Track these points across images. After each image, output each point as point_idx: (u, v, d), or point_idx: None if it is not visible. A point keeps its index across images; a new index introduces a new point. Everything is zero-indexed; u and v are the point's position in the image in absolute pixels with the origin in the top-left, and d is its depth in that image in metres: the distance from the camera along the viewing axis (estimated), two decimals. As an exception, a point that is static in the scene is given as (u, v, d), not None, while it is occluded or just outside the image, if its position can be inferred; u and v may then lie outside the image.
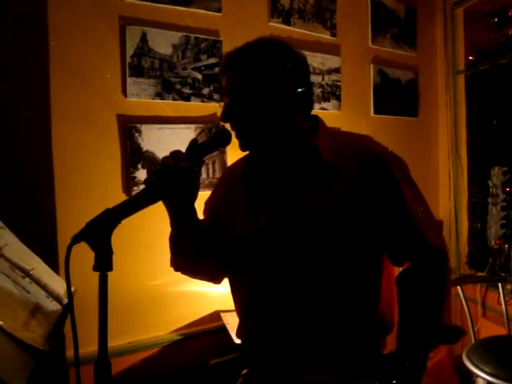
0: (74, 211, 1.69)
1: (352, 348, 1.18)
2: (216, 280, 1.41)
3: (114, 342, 1.85)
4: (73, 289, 1.43)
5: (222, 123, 1.21)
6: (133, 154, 1.87)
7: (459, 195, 2.88)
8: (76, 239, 0.80)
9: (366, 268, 1.21)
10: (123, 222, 1.79)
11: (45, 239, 1.69)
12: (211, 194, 1.43)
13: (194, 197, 1.22)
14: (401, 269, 1.24)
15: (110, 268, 0.80)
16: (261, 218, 1.23)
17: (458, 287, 2.11)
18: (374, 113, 2.63)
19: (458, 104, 2.88)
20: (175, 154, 1.07)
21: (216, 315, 2.08)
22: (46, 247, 1.67)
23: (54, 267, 1.69)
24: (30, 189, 1.70)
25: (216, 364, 1.96)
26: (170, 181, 0.96)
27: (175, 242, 1.30)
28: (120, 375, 1.82)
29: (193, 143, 1.13)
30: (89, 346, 1.76)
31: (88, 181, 1.79)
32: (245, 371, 0.93)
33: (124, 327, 1.88)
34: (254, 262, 1.25)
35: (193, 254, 1.31)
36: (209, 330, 2.07)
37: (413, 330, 1.15)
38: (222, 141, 1.15)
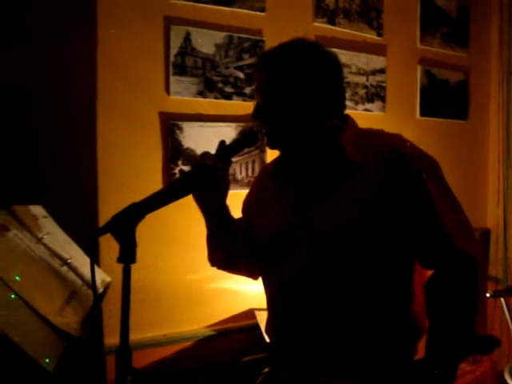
0: (116, 204, 1.70)
1: (380, 352, 1.16)
2: (253, 275, 1.43)
3: (148, 333, 1.91)
4: (108, 279, 1.50)
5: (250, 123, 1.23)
6: (174, 151, 1.91)
7: (509, 202, 2.75)
8: (101, 231, 0.83)
9: (394, 268, 1.18)
10: (163, 217, 1.87)
11: (87, 231, 1.76)
12: (247, 194, 1.46)
13: (224, 193, 1.25)
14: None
15: (134, 260, 0.83)
16: (286, 216, 1.24)
17: (502, 299, 2.02)
18: (421, 115, 2.56)
19: (511, 107, 2.75)
20: (204, 154, 1.12)
21: (251, 313, 2.09)
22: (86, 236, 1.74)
23: (96, 257, 1.77)
24: (75, 182, 1.77)
25: (248, 361, 1.98)
26: (196, 176, 0.98)
27: (211, 239, 1.33)
28: (153, 366, 1.87)
29: (221, 144, 1.16)
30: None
31: (130, 175, 1.84)
32: (266, 369, 0.94)
33: (159, 319, 1.93)
34: (279, 258, 1.25)
35: (228, 250, 1.34)
36: (243, 328, 2.08)
37: (441, 337, 1.11)
38: (247, 141, 1.19)
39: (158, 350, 1.90)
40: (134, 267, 1.83)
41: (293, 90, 1.16)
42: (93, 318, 0.90)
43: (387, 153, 1.17)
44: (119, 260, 0.81)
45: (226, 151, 1.15)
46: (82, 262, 1.38)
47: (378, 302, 1.16)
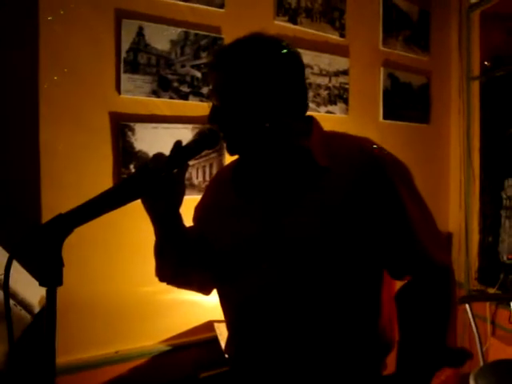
0: (61, 211, 1.60)
1: (349, 368, 1.08)
2: (205, 291, 1.31)
3: (100, 351, 1.77)
4: (39, 297, 1.35)
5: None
6: (125, 154, 1.78)
7: (470, 207, 2.75)
8: (18, 248, 0.70)
9: (364, 280, 1.10)
10: (112, 222, 1.74)
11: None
12: (200, 200, 1.34)
13: (177, 203, 1.13)
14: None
15: (60, 282, 0.70)
16: (248, 225, 1.14)
17: (466, 305, 1.99)
18: (384, 118, 2.52)
19: (471, 111, 2.76)
20: (156, 156, 0.99)
21: (209, 325, 1.98)
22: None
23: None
24: (15, 187, 1.62)
25: (207, 377, 1.87)
26: (135, 181, 0.86)
27: (160, 250, 1.21)
28: (105, 386, 1.73)
29: (176, 146, 1.04)
30: (71, 354, 1.69)
31: (77, 180, 1.70)
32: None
33: (110, 335, 1.79)
34: (241, 272, 1.15)
35: (179, 263, 1.22)
36: (201, 341, 1.97)
37: (413, 351, 1.05)
38: (207, 143, 1.06)
39: (109, 368, 1.77)
40: (82, 278, 1.72)
41: (251, 90, 1.06)
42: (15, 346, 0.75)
43: (357, 157, 1.09)
44: (41, 283, 0.69)
45: (182, 153, 1.02)
46: (15, 276, 1.23)
47: (345, 316, 1.09)
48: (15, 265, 1.33)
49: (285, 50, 1.12)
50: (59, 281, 0.69)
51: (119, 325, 1.80)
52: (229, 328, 1.24)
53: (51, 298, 0.68)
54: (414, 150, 2.62)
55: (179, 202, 1.14)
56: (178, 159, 1.01)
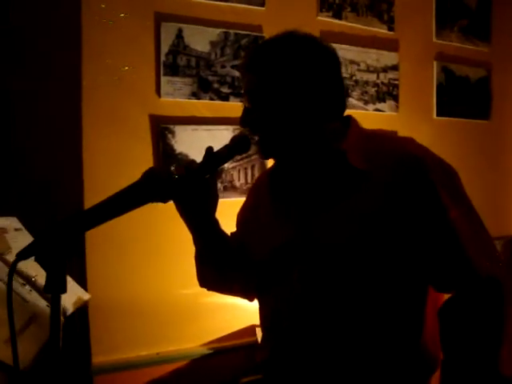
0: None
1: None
2: (249, 297, 1.29)
3: (141, 352, 1.78)
4: (86, 296, 1.38)
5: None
6: (165, 156, 1.79)
7: (537, 209, 2.53)
8: (22, 255, 0.70)
9: (404, 292, 1.02)
10: (153, 224, 1.75)
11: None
12: (242, 205, 1.32)
13: (211, 208, 1.12)
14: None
15: (64, 290, 0.69)
16: (282, 232, 1.10)
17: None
18: (437, 115, 2.37)
19: (538, 105, 2.54)
20: (188, 164, 1.00)
21: (251, 330, 1.94)
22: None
23: (81, 270, 1.66)
24: (59, 192, 1.67)
25: (246, 383, 1.84)
26: (141, 187, 0.84)
27: (199, 257, 1.20)
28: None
29: (208, 152, 1.02)
30: (111, 354, 1.72)
31: (118, 182, 1.68)
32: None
33: (152, 337, 1.80)
34: (274, 281, 1.11)
35: (219, 269, 1.21)
36: (242, 346, 1.94)
37: (457, 374, 0.95)
38: (238, 148, 1.05)
39: (150, 369, 1.77)
40: (124, 281, 1.75)
41: (284, 91, 1.01)
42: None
43: (398, 160, 1.01)
44: (45, 290, 0.68)
45: (213, 159, 1.02)
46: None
47: (385, 331, 1.01)
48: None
49: (319, 48, 1.06)
50: (63, 288, 0.68)
51: (161, 327, 1.81)
52: (262, 334, 1.20)
53: (55, 303, 0.67)
54: (473, 148, 2.45)
55: (213, 208, 1.12)
56: (209, 165, 1.01)
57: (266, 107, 1.02)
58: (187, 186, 1.00)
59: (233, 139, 1.06)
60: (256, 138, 1.07)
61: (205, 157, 1.02)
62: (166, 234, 1.80)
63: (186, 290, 1.85)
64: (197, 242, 1.17)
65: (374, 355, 1.00)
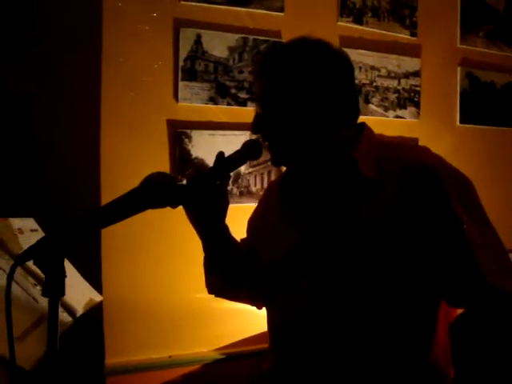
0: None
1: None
2: (258, 305, 1.28)
3: (153, 354, 1.79)
4: (98, 298, 1.40)
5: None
6: (181, 161, 1.80)
7: None
8: (21, 259, 0.71)
9: (414, 304, 1.00)
10: (165, 228, 1.76)
11: (88, 243, 1.68)
12: (253, 211, 1.31)
13: (221, 214, 1.12)
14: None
15: (62, 293, 0.70)
16: (290, 240, 1.09)
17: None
18: (461, 122, 2.32)
19: None
20: (198, 168, 1.01)
21: (265, 336, 1.93)
22: (88, 251, 1.66)
23: (97, 272, 1.68)
24: (76, 195, 1.69)
25: (259, 389, 1.83)
26: (141, 193, 0.85)
27: (208, 262, 1.20)
28: (157, 390, 1.75)
29: (219, 157, 1.03)
30: (124, 356, 1.74)
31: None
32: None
33: (164, 340, 1.81)
34: (281, 289, 1.10)
35: (227, 276, 1.20)
36: (256, 352, 1.92)
37: None
38: (250, 154, 1.05)
39: (162, 372, 1.78)
40: (138, 283, 1.76)
41: (296, 97, 1.01)
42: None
43: (410, 169, 0.99)
44: (44, 293, 0.69)
45: (224, 164, 1.02)
46: (67, 280, 1.28)
47: (394, 344, 0.98)
48: (68, 266, 1.40)
49: (331, 54, 1.05)
50: (61, 291, 0.69)
51: (174, 330, 1.82)
52: (269, 343, 1.20)
53: (54, 307, 0.68)
54: (498, 156, 2.38)
55: (223, 214, 1.12)
56: (220, 170, 1.01)
57: (277, 112, 1.02)
58: (197, 191, 1.00)
59: (244, 144, 1.06)
60: (268, 144, 1.07)
61: (216, 162, 1.03)
62: (181, 237, 1.80)
63: (200, 294, 1.83)
64: (206, 247, 1.17)
65: (381, 368, 0.98)
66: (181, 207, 1.02)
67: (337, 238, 1.02)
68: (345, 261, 0.99)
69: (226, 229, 1.16)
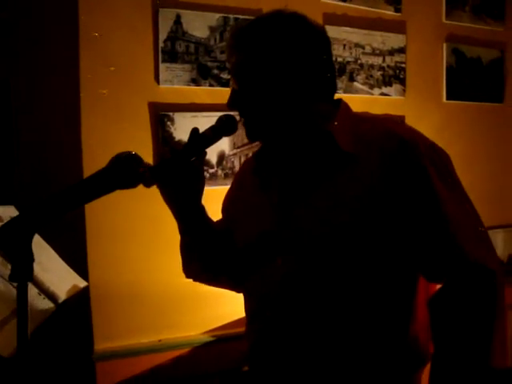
0: (103, 205, 1.62)
1: (373, 381, 0.99)
2: (238, 288, 1.27)
3: (143, 339, 1.80)
4: (83, 284, 1.39)
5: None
6: (164, 144, 1.77)
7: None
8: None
9: (391, 280, 1.01)
10: (149, 213, 1.74)
11: (71, 229, 1.66)
12: (228, 191, 1.30)
13: (197, 193, 1.10)
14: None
15: (30, 278, 0.69)
16: (263, 217, 1.08)
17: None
18: (447, 98, 2.30)
19: (554, 87, 2.44)
20: (173, 145, 0.98)
21: (254, 317, 1.94)
22: (73, 237, 1.65)
23: (83, 258, 1.67)
24: (58, 178, 1.67)
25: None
26: (109, 172, 0.83)
27: (184, 245, 1.19)
28: (147, 373, 1.75)
29: (193, 133, 1.01)
30: (113, 341, 1.74)
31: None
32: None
33: (154, 324, 1.81)
34: (258, 268, 1.09)
35: (204, 257, 1.19)
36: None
37: (448, 368, 0.92)
38: (225, 129, 1.04)
39: (152, 356, 1.78)
40: (126, 268, 1.75)
41: (272, 71, 1.00)
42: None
43: (387, 143, 0.99)
44: (11, 278, 0.68)
45: (199, 140, 1.01)
46: (48, 265, 1.27)
47: (372, 321, 0.99)
48: (51, 253, 1.38)
49: (307, 27, 1.04)
50: (29, 276, 0.68)
51: (163, 314, 1.82)
52: (247, 322, 1.19)
53: (22, 292, 0.66)
54: (485, 132, 2.37)
55: (200, 193, 1.11)
56: (195, 147, 0.99)
57: (253, 87, 1.01)
58: (172, 168, 0.98)
59: (219, 120, 1.05)
60: (243, 120, 1.05)
61: (190, 138, 1.01)
62: (167, 220, 1.78)
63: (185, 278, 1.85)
64: (182, 228, 1.15)
65: (360, 346, 0.98)
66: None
67: (313, 214, 1.01)
68: (321, 237, 0.99)
69: (202, 209, 1.14)
